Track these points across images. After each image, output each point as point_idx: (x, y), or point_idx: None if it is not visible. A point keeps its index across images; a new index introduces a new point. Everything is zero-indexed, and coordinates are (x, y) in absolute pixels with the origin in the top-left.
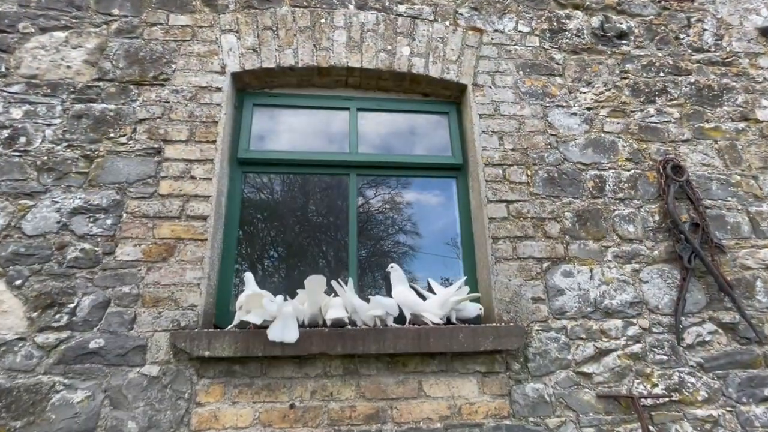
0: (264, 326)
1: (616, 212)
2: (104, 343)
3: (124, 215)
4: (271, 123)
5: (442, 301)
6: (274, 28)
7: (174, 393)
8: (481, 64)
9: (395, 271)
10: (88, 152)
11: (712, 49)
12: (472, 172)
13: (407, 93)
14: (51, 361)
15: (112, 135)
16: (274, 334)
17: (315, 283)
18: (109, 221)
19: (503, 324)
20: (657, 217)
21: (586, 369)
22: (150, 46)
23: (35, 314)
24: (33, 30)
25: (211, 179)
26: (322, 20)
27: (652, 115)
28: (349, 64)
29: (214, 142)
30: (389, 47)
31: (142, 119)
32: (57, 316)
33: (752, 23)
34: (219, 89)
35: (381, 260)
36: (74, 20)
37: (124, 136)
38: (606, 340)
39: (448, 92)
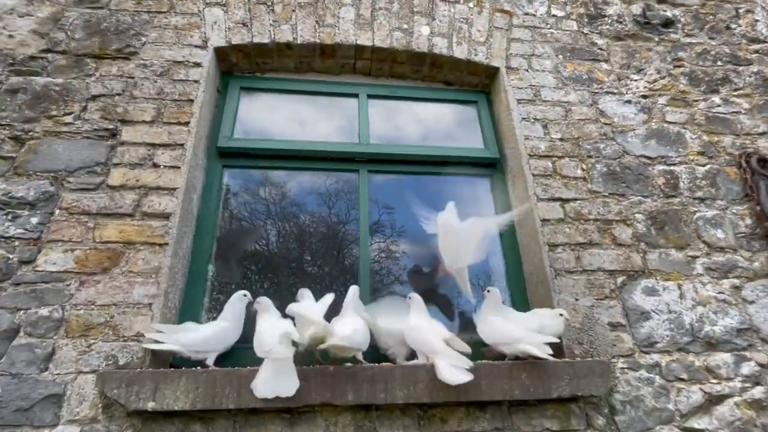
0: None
1: (698, 214)
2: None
3: (57, 212)
4: (263, 112)
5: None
6: (269, 3)
7: None
8: (514, 46)
9: (415, 303)
10: (19, 132)
11: None
12: (512, 166)
13: (426, 81)
14: None
15: (54, 113)
16: (262, 387)
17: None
18: (34, 219)
19: (578, 359)
20: (748, 221)
21: (696, 424)
22: (116, 16)
23: None
24: None
25: (179, 168)
26: None
27: (719, 105)
28: (359, 42)
29: (187, 123)
30: (405, 26)
31: (96, 96)
32: None
33: None
34: (198, 65)
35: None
36: None
37: (69, 114)
38: (715, 381)
39: (475, 79)
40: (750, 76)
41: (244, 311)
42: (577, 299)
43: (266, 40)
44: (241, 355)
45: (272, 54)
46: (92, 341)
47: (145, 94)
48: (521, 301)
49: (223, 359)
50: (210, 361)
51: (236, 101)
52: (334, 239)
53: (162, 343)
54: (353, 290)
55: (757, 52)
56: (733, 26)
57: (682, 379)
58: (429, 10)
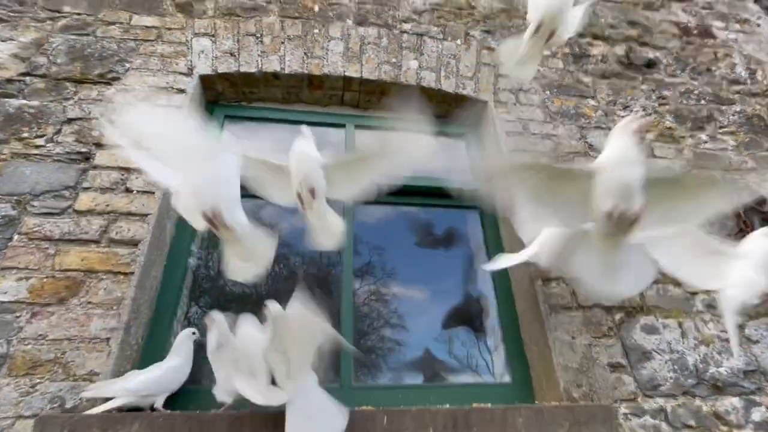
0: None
1: None
2: None
3: (16, 237)
4: (247, 140)
5: None
6: (258, 35)
7: None
8: (501, 81)
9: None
10: None
11: (749, 82)
12: None
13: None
14: None
15: (25, 135)
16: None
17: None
18: None
19: (580, 403)
20: None
21: None
22: (102, 43)
23: None
24: None
25: (153, 193)
26: (316, 30)
27: (706, 142)
28: (347, 74)
29: None
30: (394, 60)
31: (72, 119)
32: None
33: None
34: (182, 91)
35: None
36: (13, 14)
37: (42, 137)
38: (726, 429)
39: (463, 112)
40: (733, 115)
41: (193, 350)
42: (573, 338)
43: (253, 70)
44: (191, 396)
45: (259, 83)
46: (38, 381)
47: None
48: (514, 339)
49: (171, 401)
50: (159, 403)
51: (220, 129)
52: (321, 276)
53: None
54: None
55: (738, 92)
56: (713, 68)
57: (690, 427)
58: (417, 46)
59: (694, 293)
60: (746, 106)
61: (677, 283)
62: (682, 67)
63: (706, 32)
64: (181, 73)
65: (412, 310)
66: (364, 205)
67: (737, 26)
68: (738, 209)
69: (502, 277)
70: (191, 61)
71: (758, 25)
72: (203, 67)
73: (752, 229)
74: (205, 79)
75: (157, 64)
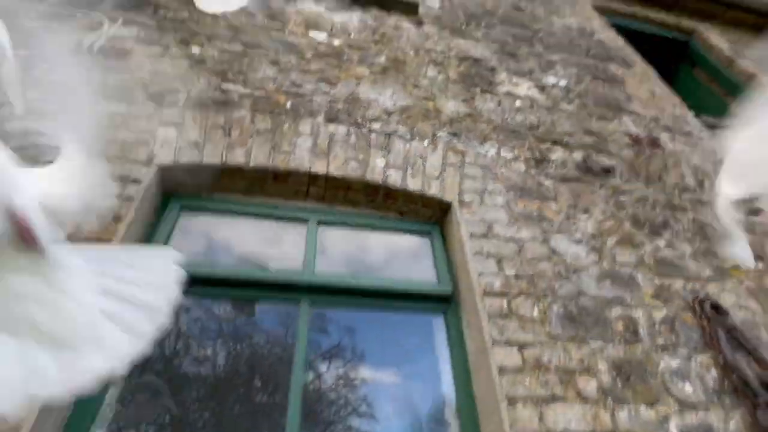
0: None
1: (663, 364)
2: None
3: None
4: (203, 236)
5: None
6: (227, 128)
7: None
8: (467, 183)
9: None
10: None
11: (698, 191)
12: (467, 303)
13: (380, 210)
14: None
15: None
16: None
17: None
18: None
19: None
20: (714, 372)
21: None
22: None
23: None
24: None
25: None
26: (286, 125)
27: (664, 248)
28: (313, 170)
29: (109, 241)
30: (361, 157)
31: None
32: None
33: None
34: (137, 181)
35: None
36: None
37: None
38: None
39: (429, 211)
40: (687, 223)
41: None
42: None
43: (216, 161)
44: None
45: (222, 175)
46: None
47: None
48: None
49: None
50: None
51: (173, 221)
52: (269, 376)
53: None
54: None
55: (689, 200)
56: (665, 177)
57: None
58: (385, 144)
59: (667, 416)
60: (699, 214)
61: (649, 403)
62: (636, 175)
63: (655, 143)
64: (139, 162)
65: None
66: (322, 307)
67: (683, 138)
68: (702, 323)
69: (466, 396)
70: (152, 151)
71: (701, 138)
72: (164, 157)
73: (718, 344)
74: (163, 169)
75: (116, 152)
